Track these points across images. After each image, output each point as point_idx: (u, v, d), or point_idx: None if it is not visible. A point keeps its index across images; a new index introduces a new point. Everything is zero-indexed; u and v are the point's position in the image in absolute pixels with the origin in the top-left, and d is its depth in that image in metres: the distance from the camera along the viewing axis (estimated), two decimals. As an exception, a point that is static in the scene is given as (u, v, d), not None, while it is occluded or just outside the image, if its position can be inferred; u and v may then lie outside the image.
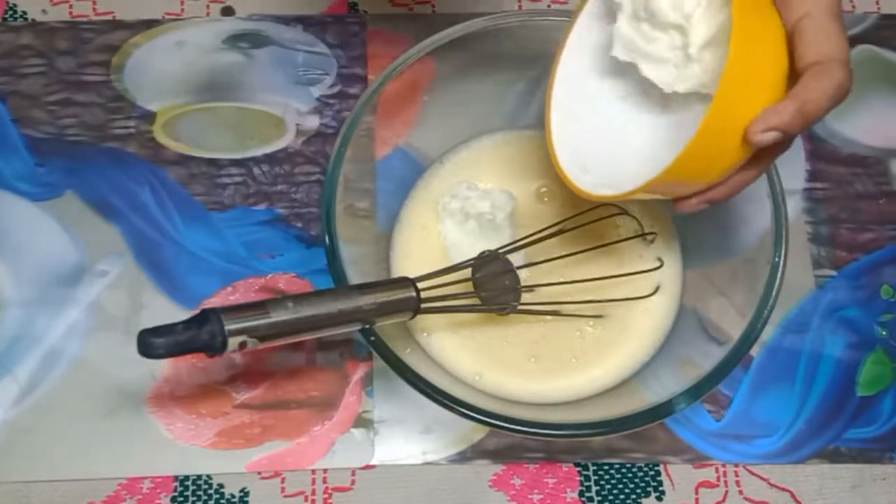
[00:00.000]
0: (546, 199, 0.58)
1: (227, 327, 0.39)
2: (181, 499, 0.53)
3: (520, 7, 0.69)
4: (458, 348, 0.54)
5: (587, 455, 0.55)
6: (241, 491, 0.54)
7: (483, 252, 0.53)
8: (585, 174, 0.48)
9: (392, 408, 0.56)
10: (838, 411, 0.57)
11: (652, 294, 0.55)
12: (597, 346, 0.54)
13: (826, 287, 0.60)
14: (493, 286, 0.52)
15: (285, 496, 0.54)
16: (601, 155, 0.48)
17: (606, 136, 0.49)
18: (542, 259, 0.53)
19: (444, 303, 0.48)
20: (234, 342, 0.40)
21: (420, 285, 0.46)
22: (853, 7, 0.69)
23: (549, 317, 0.54)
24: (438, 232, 0.57)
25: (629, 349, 0.54)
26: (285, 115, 0.63)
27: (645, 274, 0.55)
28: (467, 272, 0.51)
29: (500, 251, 0.52)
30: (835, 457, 0.56)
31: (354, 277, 0.48)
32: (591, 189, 0.47)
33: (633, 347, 0.54)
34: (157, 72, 0.64)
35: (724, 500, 0.55)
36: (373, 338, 0.46)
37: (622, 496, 0.54)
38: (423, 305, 0.46)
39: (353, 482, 0.54)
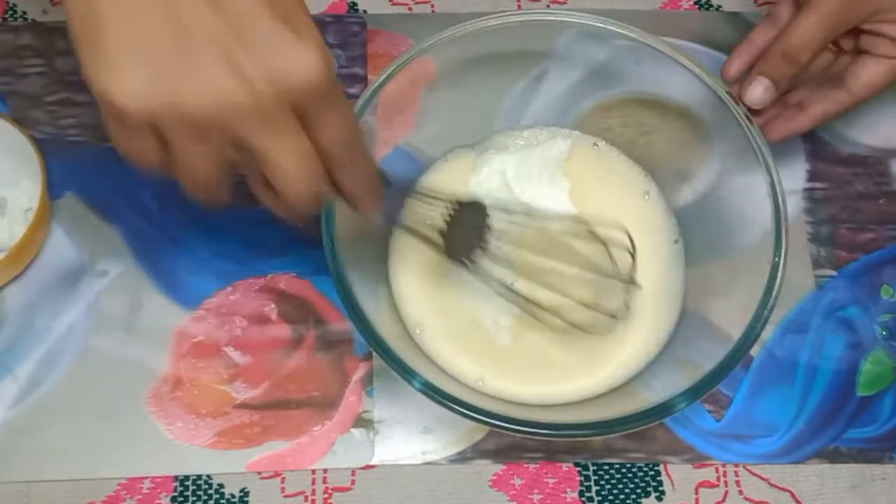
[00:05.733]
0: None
1: None
2: (181, 499, 0.53)
3: (519, 7, 0.69)
4: (457, 353, 0.54)
5: (587, 455, 0.55)
6: (241, 491, 0.54)
7: (467, 198, 0.50)
8: None
9: (392, 408, 0.56)
10: (838, 411, 0.57)
11: (615, 316, 0.53)
12: (603, 348, 0.54)
13: (826, 287, 0.60)
14: (460, 234, 0.49)
15: (285, 496, 0.54)
16: None
17: None
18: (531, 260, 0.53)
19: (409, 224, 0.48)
20: None
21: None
22: (853, 7, 0.69)
23: (557, 321, 0.54)
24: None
25: (635, 348, 0.54)
26: (285, 115, 0.63)
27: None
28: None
29: (487, 204, 0.50)
30: (835, 457, 0.56)
31: (354, 277, 0.48)
32: None
33: (639, 347, 0.54)
34: (157, 72, 0.64)
35: (724, 500, 0.55)
36: (373, 338, 0.46)
37: (622, 496, 0.54)
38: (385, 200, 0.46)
39: (353, 482, 0.54)
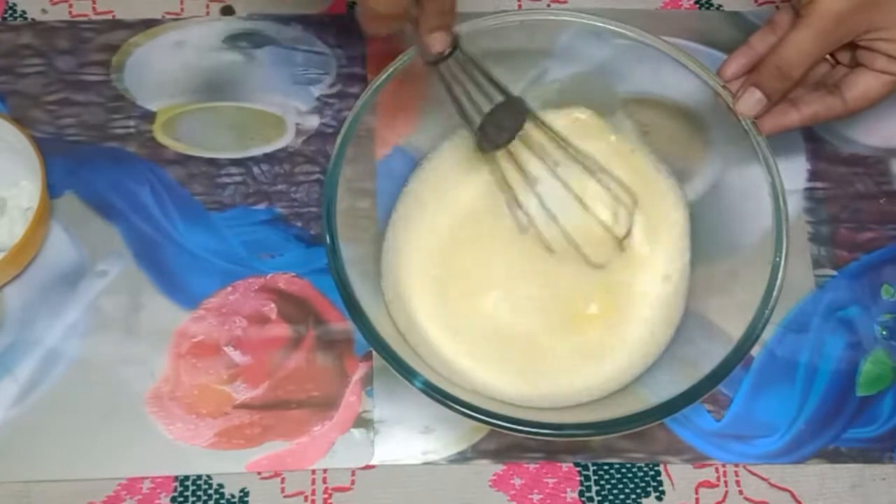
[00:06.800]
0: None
1: None
2: (181, 499, 0.53)
3: (519, 6, 0.69)
4: (459, 353, 0.53)
5: (587, 455, 0.55)
6: (241, 491, 0.54)
7: (511, 97, 0.52)
8: None
9: (392, 408, 0.56)
10: (838, 411, 0.57)
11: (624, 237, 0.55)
12: (611, 343, 0.54)
13: (826, 287, 0.60)
14: (493, 120, 0.52)
15: (285, 496, 0.54)
16: None
17: None
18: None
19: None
20: None
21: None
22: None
23: (559, 319, 0.54)
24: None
25: (637, 347, 0.54)
26: (285, 114, 0.63)
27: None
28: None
29: (527, 109, 0.52)
30: (835, 457, 0.56)
31: (355, 277, 0.48)
32: None
33: (643, 347, 0.54)
34: (157, 72, 0.64)
35: (724, 500, 0.55)
36: (373, 338, 0.46)
37: (622, 496, 0.54)
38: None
39: (353, 482, 0.54)
